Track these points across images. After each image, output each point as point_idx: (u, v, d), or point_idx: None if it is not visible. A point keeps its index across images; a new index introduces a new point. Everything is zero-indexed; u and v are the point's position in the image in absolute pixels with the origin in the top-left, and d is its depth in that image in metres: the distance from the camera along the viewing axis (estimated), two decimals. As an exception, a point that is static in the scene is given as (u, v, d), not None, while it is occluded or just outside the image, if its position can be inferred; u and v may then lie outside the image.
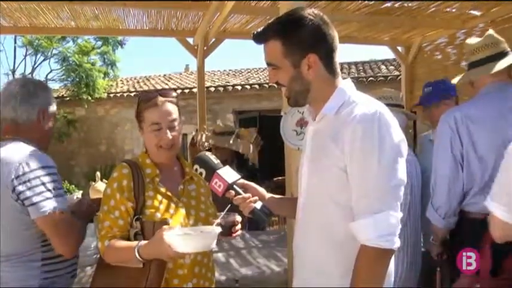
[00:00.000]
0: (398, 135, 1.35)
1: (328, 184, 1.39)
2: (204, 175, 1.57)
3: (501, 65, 2.08)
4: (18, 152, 1.77)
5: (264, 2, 4.72)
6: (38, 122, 1.90)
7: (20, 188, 1.69)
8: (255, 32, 1.46)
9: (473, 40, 2.24)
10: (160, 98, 1.73)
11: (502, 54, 2.11)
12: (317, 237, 1.45)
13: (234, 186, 1.55)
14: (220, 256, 3.24)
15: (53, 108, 1.97)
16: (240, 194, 1.54)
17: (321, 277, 1.43)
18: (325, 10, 4.95)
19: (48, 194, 1.72)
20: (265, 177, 5.08)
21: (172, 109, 1.75)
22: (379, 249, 1.28)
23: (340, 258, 1.40)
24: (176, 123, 1.75)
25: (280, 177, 4.59)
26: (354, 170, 1.32)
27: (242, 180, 1.60)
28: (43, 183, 1.72)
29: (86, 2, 4.50)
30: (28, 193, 1.69)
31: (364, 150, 1.30)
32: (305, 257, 1.50)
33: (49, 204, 1.71)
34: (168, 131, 1.71)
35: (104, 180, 4.34)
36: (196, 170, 1.59)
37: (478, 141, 2.03)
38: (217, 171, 1.55)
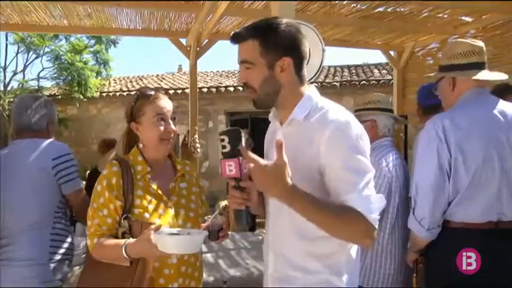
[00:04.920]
0: (367, 138, 1.44)
1: (300, 185, 1.39)
2: (226, 150, 1.47)
3: (494, 76, 2.10)
4: (46, 142, 2.19)
5: (257, 3, 4.74)
6: (47, 130, 2.27)
7: (60, 167, 2.13)
8: (234, 33, 1.51)
9: (456, 42, 2.22)
10: (159, 93, 1.80)
11: (484, 64, 2.13)
12: (291, 235, 1.49)
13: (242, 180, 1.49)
14: (208, 257, 3.23)
15: (56, 119, 2.38)
16: (241, 189, 1.47)
17: (299, 271, 1.48)
18: (317, 14, 4.98)
19: (76, 174, 2.20)
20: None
21: (170, 102, 1.82)
22: (367, 221, 1.33)
23: (312, 253, 1.46)
24: (174, 116, 1.81)
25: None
26: (335, 170, 1.38)
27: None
28: (73, 165, 2.19)
29: (78, 2, 4.48)
30: (65, 172, 2.14)
31: (341, 146, 1.38)
32: (281, 254, 1.53)
33: (79, 182, 2.21)
34: (170, 121, 1.78)
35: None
36: (222, 140, 1.48)
37: (467, 150, 1.97)
38: (241, 158, 1.46)
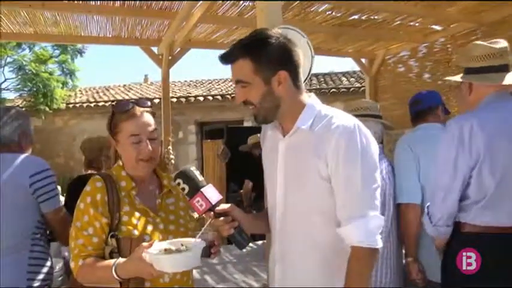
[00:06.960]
0: (374, 144, 1.46)
1: (312, 195, 1.46)
2: (186, 191, 1.49)
3: None
4: (20, 157, 2.02)
5: (231, 11, 4.69)
6: (19, 143, 2.10)
7: (38, 184, 1.97)
8: (223, 54, 1.48)
9: (475, 44, 2.11)
10: (138, 108, 1.64)
11: (506, 66, 2.03)
12: (302, 246, 1.50)
13: (216, 206, 1.50)
14: (194, 272, 3.10)
15: (31, 132, 2.20)
16: (220, 215, 1.49)
17: (310, 281, 1.49)
18: (292, 21, 4.96)
19: (56, 191, 2.05)
20: (234, 189, 5.06)
21: (151, 119, 1.67)
22: (372, 248, 1.39)
23: (325, 262, 1.48)
24: (156, 134, 1.67)
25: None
26: (340, 180, 1.41)
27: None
28: (53, 182, 2.03)
29: (47, 6, 4.26)
30: (44, 189, 1.99)
31: (348, 162, 1.39)
32: (291, 265, 1.53)
33: (59, 200, 2.07)
34: (148, 142, 1.62)
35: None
36: (178, 184, 1.50)
37: (493, 152, 1.89)
38: (202, 189, 1.47)
